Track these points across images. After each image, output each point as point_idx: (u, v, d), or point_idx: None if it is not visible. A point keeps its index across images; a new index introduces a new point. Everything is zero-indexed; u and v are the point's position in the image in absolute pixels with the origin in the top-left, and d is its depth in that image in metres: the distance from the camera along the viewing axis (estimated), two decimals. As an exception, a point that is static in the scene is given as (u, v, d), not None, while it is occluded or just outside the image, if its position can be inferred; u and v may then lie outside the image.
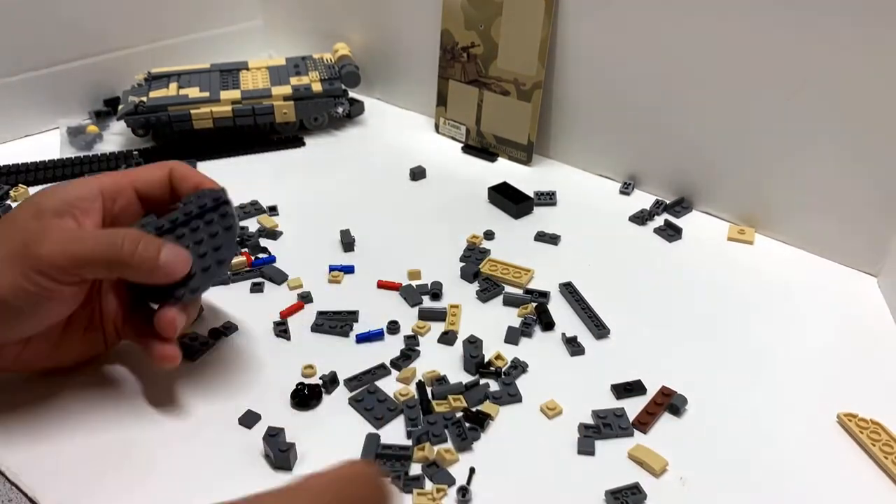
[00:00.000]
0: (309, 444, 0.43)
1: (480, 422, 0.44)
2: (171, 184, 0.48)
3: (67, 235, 0.41)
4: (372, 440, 0.43)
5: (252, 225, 0.65)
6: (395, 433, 0.45)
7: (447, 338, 0.52)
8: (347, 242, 0.61)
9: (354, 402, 0.46)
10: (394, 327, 0.52)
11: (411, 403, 0.46)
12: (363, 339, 0.51)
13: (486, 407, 0.46)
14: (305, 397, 0.46)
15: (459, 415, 0.45)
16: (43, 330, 0.43)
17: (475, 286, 0.57)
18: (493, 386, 0.48)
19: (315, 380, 0.48)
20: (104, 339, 0.47)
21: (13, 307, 0.40)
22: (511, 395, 0.47)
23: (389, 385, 0.48)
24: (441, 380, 0.48)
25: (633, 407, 0.46)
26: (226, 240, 0.45)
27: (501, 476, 0.42)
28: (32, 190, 0.70)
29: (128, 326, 0.47)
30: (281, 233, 0.64)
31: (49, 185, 0.45)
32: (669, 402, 0.46)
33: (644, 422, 0.45)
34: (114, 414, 0.45)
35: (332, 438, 0.44)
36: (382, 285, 0.57)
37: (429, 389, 0.47)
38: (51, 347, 0.45)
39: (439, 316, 0.54)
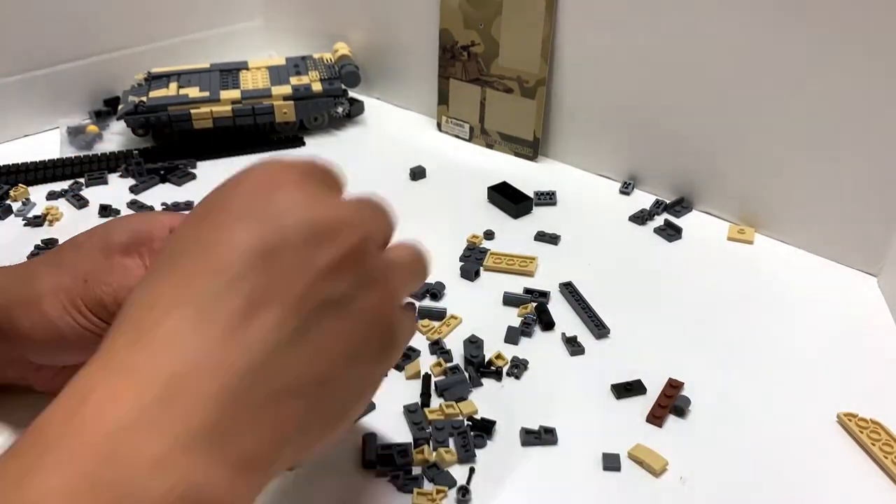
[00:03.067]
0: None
1: (487, 429, 0.44)
2: None
3: (126, 281, 0.39)
4: (371, 440, 0.43)
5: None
6: (393, 433, 0.45)
7: (447, 338, 0.52)
8: None
9: None
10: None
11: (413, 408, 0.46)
12: None
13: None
14: None
15: (467, 423, 0.45)
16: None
17: (475, 286, 0.57)
18: (495, 387, 0.48)
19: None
20: None
21: (65, 337, 0.38)
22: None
23: (389, 385, 0.48)
24: (453, 369, 0.49)
25: (635, 406, 0.46)
26: None
27: (501, 476, 0.42)
28: (32, 189, 0.70)
29: None
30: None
31: (121, 216, 0.43)
32: (674, 404, 0.46)
33: (658, 415, 0.45)
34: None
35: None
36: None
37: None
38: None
39: (439, 316, 0.54)
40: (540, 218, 0.66)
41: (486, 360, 0.49)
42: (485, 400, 0.47)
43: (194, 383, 0.25)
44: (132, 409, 0.24)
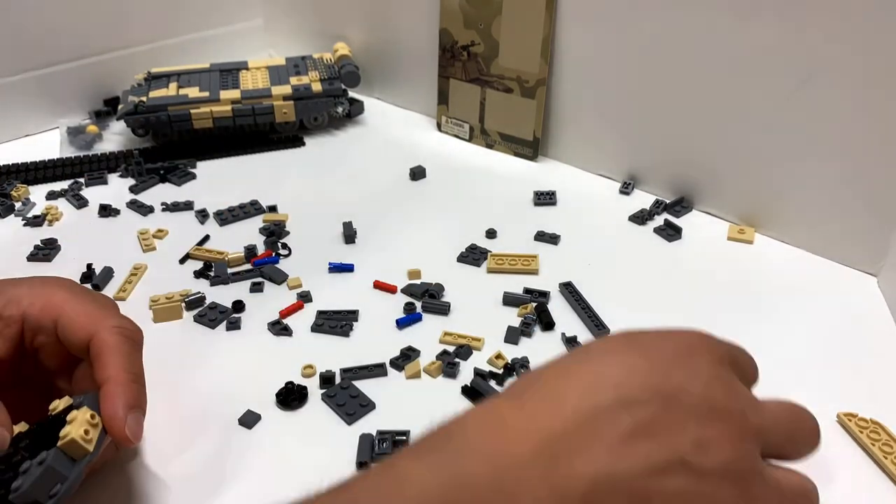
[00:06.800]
0: (310, 443, 0.43)
1: None
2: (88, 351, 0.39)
3: None
4: (365, 440, 0.43)
5: (257, 223, 0.65)
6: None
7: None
8: (349, 235, 0.62)
9: (327, 399, 0.47)
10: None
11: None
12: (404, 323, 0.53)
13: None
14: (286, 397, 0.46)
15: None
16: None
17: (476, 286, 0.57)
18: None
19: (315, 380, 0.48)
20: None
21: None
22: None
23: (388, 384, 0.48)
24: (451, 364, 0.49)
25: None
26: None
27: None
28: (32, 189, 0.70)
29: None
30: (288, 232, 0.64)
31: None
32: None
33: None
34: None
35: (334, 437, 0.44)
36: (378, 286, 0.57)
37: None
38: None
39: (442, 310, 0.54)
40: (540, 218, 0.66)
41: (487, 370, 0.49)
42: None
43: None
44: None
